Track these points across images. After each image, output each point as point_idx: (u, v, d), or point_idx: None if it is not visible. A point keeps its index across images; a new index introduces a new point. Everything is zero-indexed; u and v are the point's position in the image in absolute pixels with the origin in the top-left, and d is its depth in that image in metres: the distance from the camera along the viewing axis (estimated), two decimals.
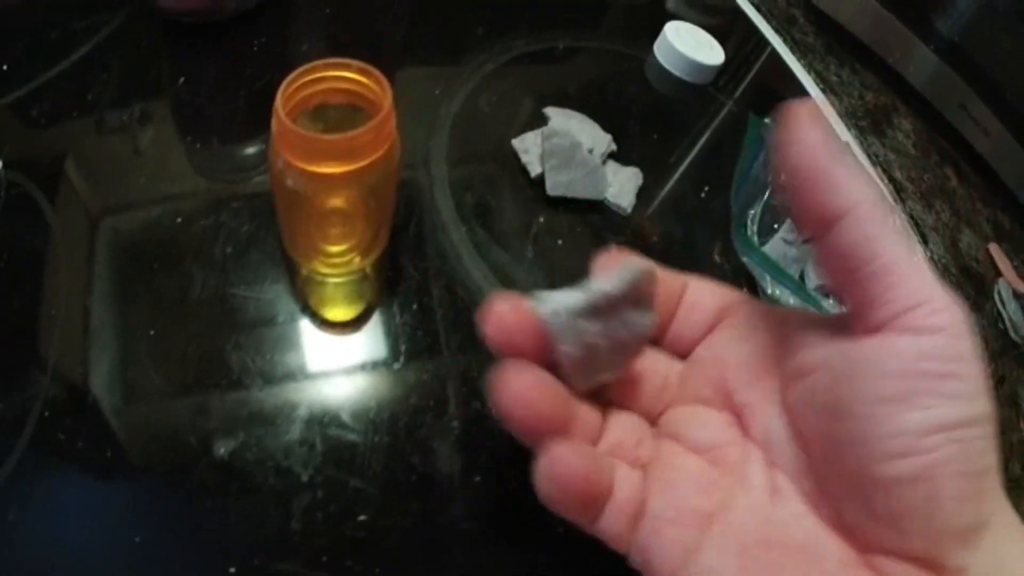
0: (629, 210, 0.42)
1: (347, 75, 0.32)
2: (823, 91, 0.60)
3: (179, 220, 0.37)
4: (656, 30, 0.53)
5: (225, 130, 0.42)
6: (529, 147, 0.42)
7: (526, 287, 0.38)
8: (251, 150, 0.42)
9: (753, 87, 0.56)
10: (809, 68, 0.61)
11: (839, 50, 0.66)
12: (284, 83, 0.30)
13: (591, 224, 0.41)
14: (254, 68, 0.45)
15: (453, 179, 0.41)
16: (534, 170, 0.41)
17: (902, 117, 0.65)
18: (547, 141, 0.40)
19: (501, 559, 0.31)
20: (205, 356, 0.33)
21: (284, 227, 0.36)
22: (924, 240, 0.58)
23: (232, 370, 0.33)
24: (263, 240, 0.37)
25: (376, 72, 0.32)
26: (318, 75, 0.32)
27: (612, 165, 0.43)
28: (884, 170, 0.60)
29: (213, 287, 0.35)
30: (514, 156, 0.42)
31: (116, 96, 0.42)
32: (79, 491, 0.29)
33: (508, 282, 0.37)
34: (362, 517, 0.30)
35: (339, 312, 0.37)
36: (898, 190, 0.60)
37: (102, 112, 0.41)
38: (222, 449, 0.31)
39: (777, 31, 0.62)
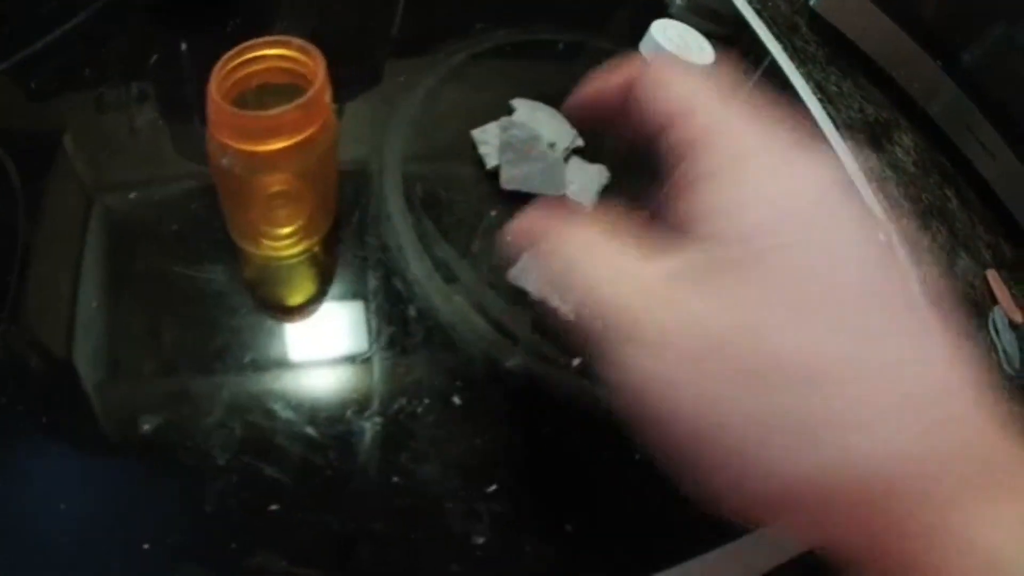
0: (590, 208, 0.39)
1: (286, 52, 0.31)
2: (821, 101, 0.56)
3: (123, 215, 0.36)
4: (631, 28, 0.51)
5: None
6: (489, 139, 0.40)
7: (469, 283, 0.36)
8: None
9: (748, 92, 0.53)
10: (808, 77, 0.58)
11: (840, 62, 0.62)
12: (219, 62, 0.29)
13: None
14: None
15: (406, 169, 0.39)
16: (490, 162, 0.39)
17: (903, 133, 0.61)
18: (504, 132, 0.38)
19: (412, 563, 0.29)
20: (142, 331, 0.32)
21: (227, 213, 0.35)
22: (919, 261, 0.55)
23: (167, 347, 0.32)
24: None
25: (313, 49, 0.30)
26: (257, 53, 0.31)
27: (576, 161, 0.41)
28: (879, 186, 0.56)
29: (157, 265, 0.34)
30: (473, 147, 0.40)
31: (115, 72, 0.41)
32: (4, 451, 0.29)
33: (450, 277, 0.35)
34: (274, 507, 0.29)
35: (280, 297, 0.36)
36: (894, 207, 0.57)
37: (100, 88, 0.40)
38: (146, 426, 0.30)
39: (778, 38, 0.59)
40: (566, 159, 0.40)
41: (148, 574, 0.27)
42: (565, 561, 0.30)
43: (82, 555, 0.27)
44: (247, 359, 0.32)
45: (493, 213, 0.38)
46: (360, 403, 0.32)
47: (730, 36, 0.57)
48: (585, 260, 0.20)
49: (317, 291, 0.35)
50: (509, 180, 0.38)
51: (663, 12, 0.56)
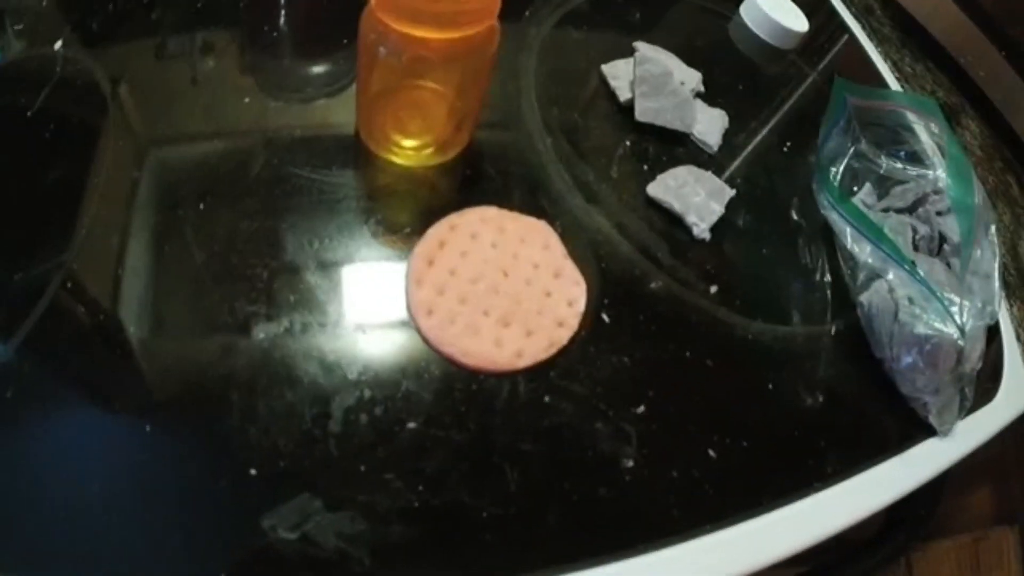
0: (715, 149, 0.39)
1: None
2: (898, 80, 0.57)
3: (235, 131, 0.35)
4: None
5: (297, 48, 0.39)
6: (619, 74, 0.39)
7: (609, 205, 0.35)
8: (320, 67, 0.39)
9: (833, 65, 0.54)
10: (885, 56, 0.58)
11: (913, 45, 0.63)
12: None
13: (676, 156, 0.38)
14: None
15: (540, 94, 0.38)
16: (623, 95, 0.38)
17: (970, 119, 0.62)
18: (639, 67, 0.38)
19: (557, 488, 0.27)
20: (257, 234, 0.30)
21: (363, 109, 0.34)
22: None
23: (286, 251, 0.30)
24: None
25: None
26: None
27: (700, 103, 0.40)
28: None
29: (275, 167, 0.32)
30: (602, 81, 0.40)
31: (180, 21, 0.39)
32: (92, 369, 0.26)
33: (591, 197, 0.35)
34: (411, 424, 0.27)
35: (407, 207, 0.34)
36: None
37: (164, 36, 0.38)
38: (262, 334, 0.28)
39: (856, 17, 0.60)
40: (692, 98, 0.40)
41: (258, 501, 0.24)
42: (709, 486, 0.29)
43: (183, 483, 0.25)
44: (382, 267, 0.31)
45: (628, 142, 0.37)
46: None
47: (808, 11, 0.57)
48: None
49: (453, 202, 0.34)
50: (643, 112, 0.37)
51: None
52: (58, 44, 0.37)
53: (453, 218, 0.32)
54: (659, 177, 0.36)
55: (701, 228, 0.35)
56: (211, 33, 0.38)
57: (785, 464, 0.31)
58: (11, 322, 0.26)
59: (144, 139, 0.33)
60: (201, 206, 0.31)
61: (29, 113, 0.33)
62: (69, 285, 0.28)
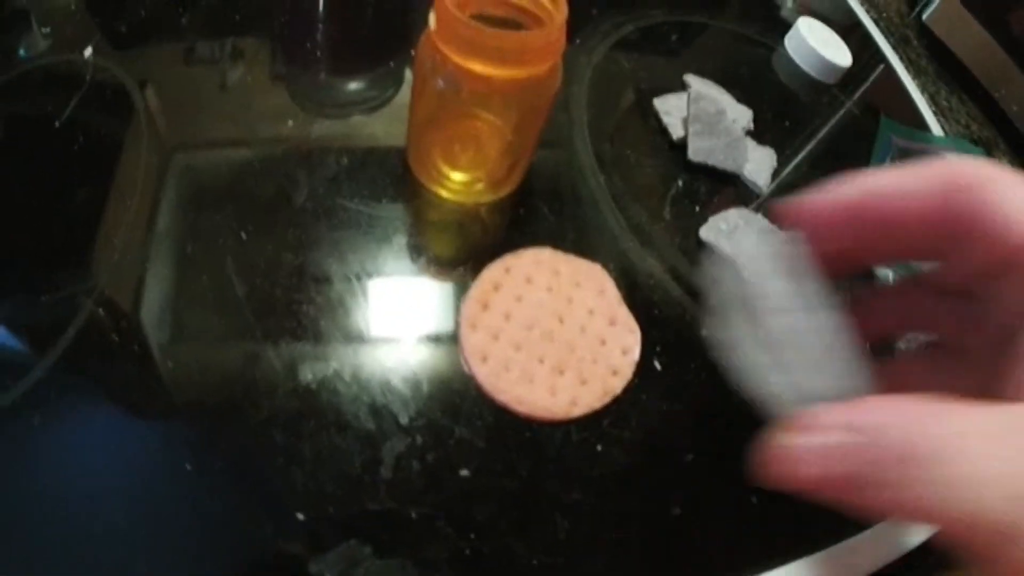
0: (765, 189, 0.38)
1: None
2: (935, 114, 0.56)
3: (275, 153, 0.34)
4: (773, 22, 0.50)
5: (338, 62, 0.38)
6: (671, 109, 0.38)
7: (662, 247, 0.34)
8: (361, 84, 0.38)
9: (871, 96, 0.53)
10: (923, 89, 0.57)
11: (947, 77, 0.62)
12: None
13: (726, 196, 0.38)
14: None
15: (592, 128, 0.37)
16: (676, 133, 0.38)
17: (1001, 154, 0.61)
18: (694, 104, 0.37)
19: (607, 537, 0.27)
20: (301, 268, 0.29)
21: (413, 137, 0.33)
22: None
23: (332, 287, 0.29)
24: (380, 160, 0.33)
25: None
26: None
27: (750, 141, 0.40)
28: None
29: (320, 197, 0.31)
30: (654, 116, 0.39)
31: (209, 26, 0.38)
32: (124, 403, 0.26)
33: (643, 238, 0.34)
34: (464, 472, 0.26)
35: (459, 244, 0.34)
36: None
37: (193, 41, 0.37)
38: (309, 375, 0.27)
39: (894, 48, 0.59)
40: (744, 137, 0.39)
41: (305, 546, 0.23)
42: (752, 532, 0.29)
43: (227, 527, 0.24)
44: (434, 308, 0.30)
45: (680, 181, 0.37)
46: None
47: (845, 40, 0.57)
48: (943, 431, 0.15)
49: (505, 240, 0.33)
50: (696, 152, 0.37)
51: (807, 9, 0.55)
52: (88, 51, 0.36)
53: (508, 259, 0.31)
54: (711, 219, 0.35)
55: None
56: (253, 50, 0.37)
57: (827, 510, 0.31)
58: (37, 352, 0.26)
59: (181, 163, 0.32)
60: (243, 235, 0.30)
61: (58, 123, 0.32)
62: (101, 312, 0.27)
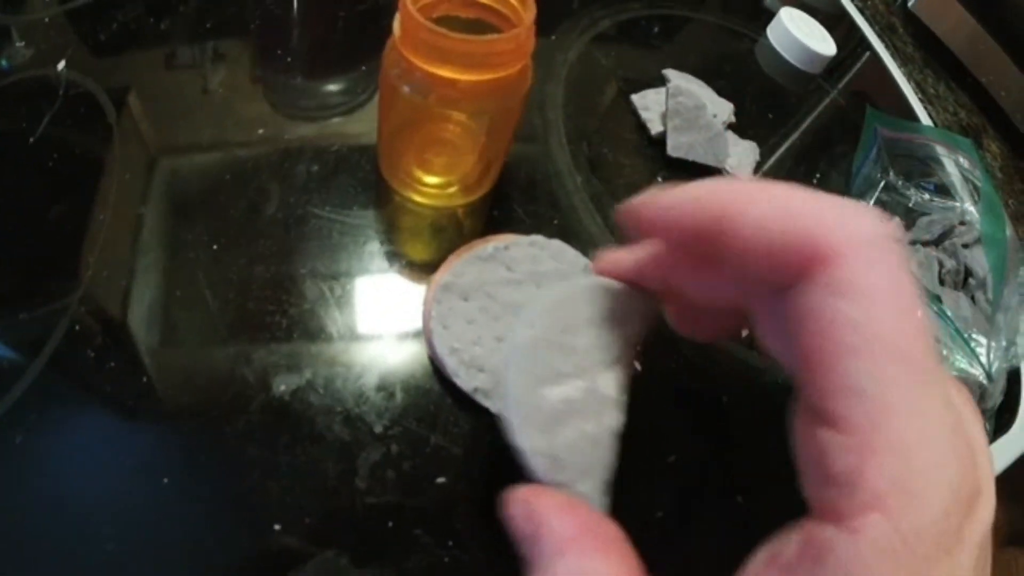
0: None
1: None
2: (922, 102, 0.55)
3: (247, 160, 0.33)
4: (755, 13, 0.48)
5: (312, 65, 0.37)
6: (650, 104, 0.37)
7: None
8: (335, 87, 0.37)
9: (857, 85, 0.51)
10: (909, 77, 0.56)
11: (935, 64, 0.61)
12: None
13: None
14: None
15: (568, 128, 0.36)
16: (654, 128, 0.36)
17: (991, 140, 0.60)
18: (672, 99, 0.36)
19: None
20: (274, 279, 0.28)
21: (384, 145, 0.32)
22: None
23: (305, 297, 0.28)
24: (354, 166, 0.32)
25: None
26: None
27: (731, 135, 0.38)
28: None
29: (291, 206, 0.30)
30: (631, 112, 0.38)
31: (190, 29, 0.37)
32: (102, 420, 0.25)
33: (623, 238, 0.33)
34: (441, 479, 0.25)
35: (432, 249, 0.33)
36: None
37: (174, 45, 0.36)
38: (282, 386, 0.26)
39: (879, 36, 0.57)
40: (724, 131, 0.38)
41: (282, 558, 0.23)
42: (736, 534, 0.28)
43: (202, 539, 0.23)
44: (408, 314, 0.29)
45: (659, 178, 0.36)
46: None
47: (830, 28, 0.55)
48: None
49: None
50: (676, 147, 0.35)
51: None
52: (61, 64, 0.35)
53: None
54: None
55: None
56: (224, 56, 0.36)
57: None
58: (14, 369, 0.25)
59: (153, 174, 0.31)
60: (215, 247, 0.29)
61: (31, 139, 0.32)
62: (76, 328, 0.26)
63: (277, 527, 0.23)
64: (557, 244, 0.29)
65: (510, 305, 0.28)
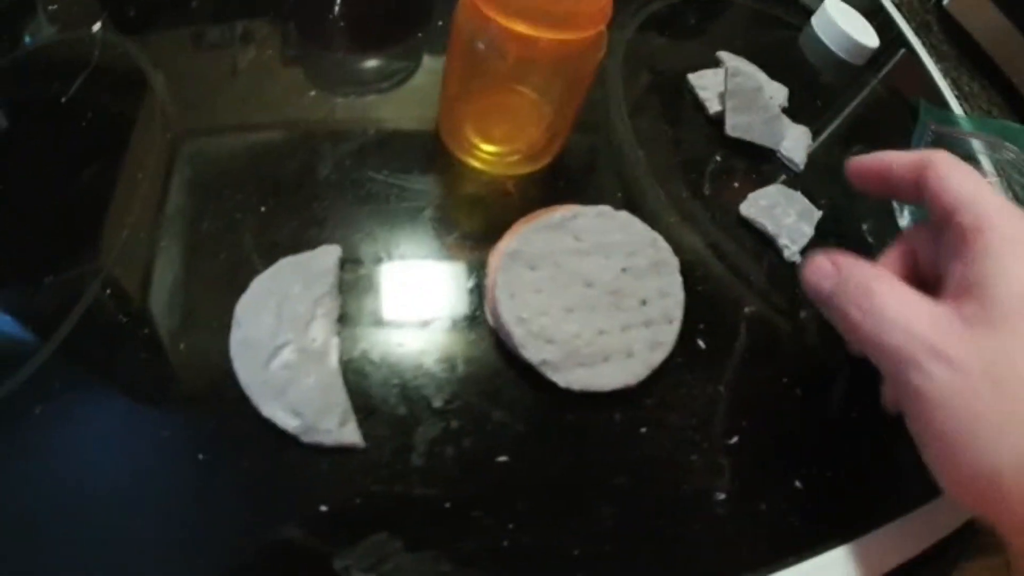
0: (801, 167, 0.36)
1: None
2: (958, 99, 0.54)
3: (299, 123, 0.31)
4: (797, 3, 0.48)
5: (354, 40, 0.36)
6: (707, 84, 0.36)
7: (703, 224, 0.32)
8: (373, 63, 0.35)
9: (900, 81, 0.51)
10: (945, 74, 0.55)
11: (969, 63, 0.60)
12: None
13: (764, 173, 0.35)
14: None
15: (629, 103, 0.35)
16: (712, 107, 0.36)
17: None
18: (731, 79, 0.35)
19: (650, 525, 0.24)
20: (327, 243, 0.27)
21: (445, 106, 0.30)
22: None
23: (362, 262, 0.27)
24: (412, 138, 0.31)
25: None
26: None
27: (785, 119, 0.38)
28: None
29: (346, 169, 0.29)
30: (689, 91, 0.37)
31: (219, 8, 0.36)
32: (130, 392, 0.23)
33: (685, 214, 0.32)
34: (502, 458, 0.24)
35: (493, 218, 0.31)
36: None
37: (203, 25, 0.35)
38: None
39: (916, 33, 0.57)
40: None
41: (330, 540, 0.21)
42: (796, 517, 0.27)
43: (246, 520, 0.21)
44: (468, 285, 0.27)
45: (718, 157, 0.35)
46: None
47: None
48: (882, 288, 0.22)
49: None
50: (734, 127, 0.35)
51: None
52: (96, 26, 0.33)
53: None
54: (750, 196, 0.33)
55: (792, 251, 0.32)
56: (265, 23, 0.35)
57: (870, 493, 0.29)
58: (41, 336, 0.23)
59: (196, 132, 0.30)
60: (263, 209, 0.28)
61: (63, 99, 0.30)
62: (108, 292, 0.24)
63: (323, 508, 0.22)
64: (625, 215, 0.28)
65: (578, 275, 0.27)
